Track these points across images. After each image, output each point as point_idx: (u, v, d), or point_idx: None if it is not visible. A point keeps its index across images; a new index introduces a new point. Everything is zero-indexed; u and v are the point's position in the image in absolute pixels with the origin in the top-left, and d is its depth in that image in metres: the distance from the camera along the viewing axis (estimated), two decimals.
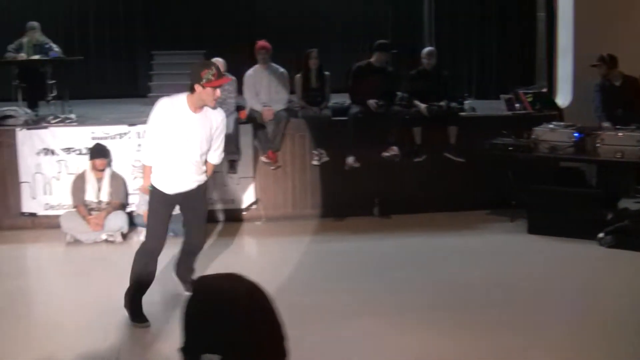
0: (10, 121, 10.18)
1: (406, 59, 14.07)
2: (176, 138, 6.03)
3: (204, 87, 5.78)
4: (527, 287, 7.28)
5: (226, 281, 1.90)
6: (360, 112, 10.02)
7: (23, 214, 9.96)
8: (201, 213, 6.63)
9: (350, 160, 10.00)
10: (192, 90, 5.88)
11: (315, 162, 10.08)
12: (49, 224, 9.75)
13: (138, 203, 9.47)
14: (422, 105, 10.14)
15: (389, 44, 10.65)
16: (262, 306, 1.87)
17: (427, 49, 10.78)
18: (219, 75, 5.93)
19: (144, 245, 6.43)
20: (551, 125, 9.70)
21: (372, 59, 10.28)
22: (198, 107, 6.00)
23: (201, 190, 6.43)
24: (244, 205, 10.17)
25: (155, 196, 6.26)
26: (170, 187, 6.23)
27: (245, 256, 9.24)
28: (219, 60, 9.89)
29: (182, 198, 6.33)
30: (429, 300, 6.89)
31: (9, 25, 13.68)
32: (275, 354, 1.86)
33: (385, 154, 10.01)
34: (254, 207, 10.19)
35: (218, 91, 5.91)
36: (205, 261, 8.95)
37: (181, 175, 6.22)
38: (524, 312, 6.58)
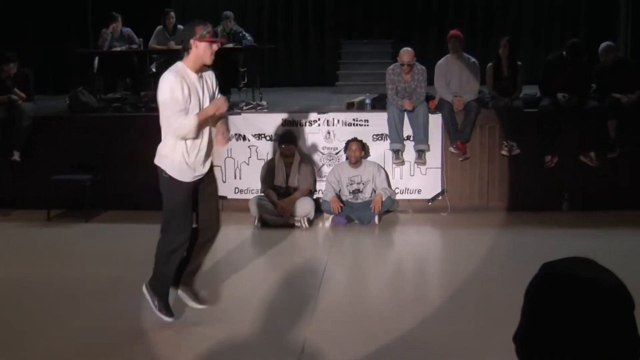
0: None
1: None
2: (194, 109, 5.54)
3: (199, 41, 5.44)
4: None
5: (585, 270, 1.66)
6: (550, 105, 9.67)
7: None
8: (216, 196, 6.22)
9: (548, 158, 9.73)
10: (185, 51, 5.50)
11: (504, 153, 9.80)
12: (237, 207, 9.97)
13: (325, 190, 9.57)
14: (624, 97, 9.63)
15: (581, 44, 10.09)
16: (628, 305, 1.62)
17: (602, 45, 10.08)
18: (214, 35, 5.77)
19: (170, 239, 5.76)
20: None
21: (564, 52, 9.87)
22: (198, 69, 5.59)
23: (213, 171, 6.00)
24: (431, 195, 10.02)
25: (176, 188, 5.65)
26: (191, 172, 5.67)
27: (431, 247, 9.11)
28: (407, 50, 9.83)
29: (200, 182, 5.81)
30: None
31: (205, 15, 14.14)
32: None
33: (583, 159, 9.71)
34: (440, 197, 10.02)
35: (215, 45, 5.56)
36: (390, 250, 8.93)
37: (201, 154, 5.69)
38: None
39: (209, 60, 5.54)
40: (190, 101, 5.47)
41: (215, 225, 6.04)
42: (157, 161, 5.66)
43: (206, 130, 5.68)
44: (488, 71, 10.09)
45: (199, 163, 5.69)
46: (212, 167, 5.94)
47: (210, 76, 5.77)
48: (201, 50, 5.45)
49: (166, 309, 5.85)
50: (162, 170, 5.62)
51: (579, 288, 1.58)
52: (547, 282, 1.63)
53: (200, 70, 5.59)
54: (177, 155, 5.56)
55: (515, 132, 9.77)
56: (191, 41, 5.43)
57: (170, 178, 5.60)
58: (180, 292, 6.04)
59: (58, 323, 6.01)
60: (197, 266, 6.13)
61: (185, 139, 5.51)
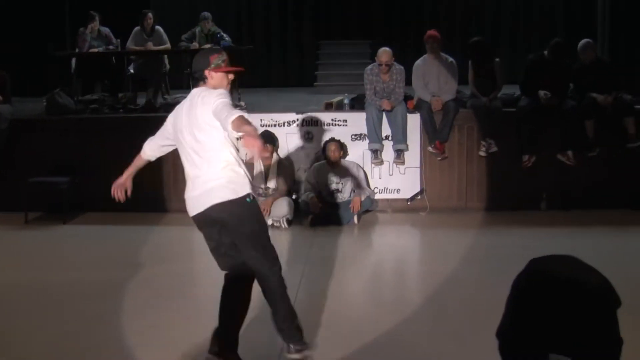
0: None
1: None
2: None
3: (214, 71, 4.96)
4: None
5: (570, 268, 1.67)
6: (530, 105, 9.72)
7: None
8: (244, 239, 4.92)
9: (525, 157, 9.81)
10: (201, 81, 5.00)
11: (482, 153, 9.86)
12: None
13: (304, 190, 9.58)
14: (600, 97, 9.69)
15: (564, 45, 10.12)
16: (613, 300, 1.65)
17: (581, 43, 10.10)
18: (229, 63, 5.14)
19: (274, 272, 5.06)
20: None
21: (546, 52, 9.92)
22: None
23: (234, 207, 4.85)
24: (410, 195, 10.05)
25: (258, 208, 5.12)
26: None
27: (410, 248, 9.14)
28: (386, 50, 9.86)
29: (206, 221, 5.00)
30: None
31: (183, 16, 14.13)
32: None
33: (561, 157, 9.79)
34: (419, 197, 10.05)
35: (231, 75, 5.07)
36: (369, 251, 8.94)
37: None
38: None
39: (226, 90, 5.01)
40: None
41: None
42: (225, 195, 4.78)
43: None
44: (469, 68, 10.13)
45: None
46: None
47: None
48: (217, 81, 4.98)
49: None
50: (241, 198, 4.80)
51: (563, 286, 1.60)
52: (533, 278, 1.65)
53: None
54: (239, 169, 4.86)
55: (493, 131, 9.83)
56: (206, 72, 4.99)
57: (253, 198, 4.91)
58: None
59: (38, 327, 5.96)
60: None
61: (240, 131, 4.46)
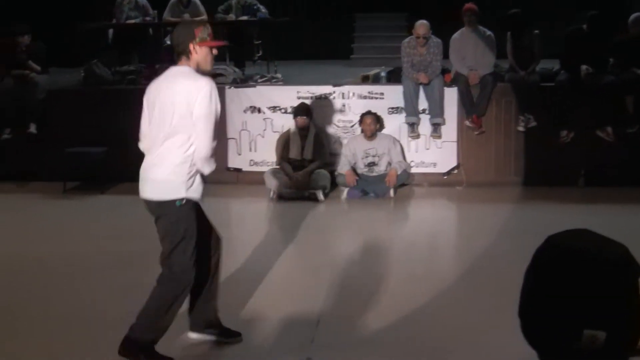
0: (220, 79, 10.47)
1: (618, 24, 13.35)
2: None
3: (199, 45, 4.65)
4: None
5: (589, 241, 1.64)
6: (568, 80, 9.59)
7: (228, 169, 10.28)
8: (163, 239, 4.79)
9: (563, 133, 9.66)
10: (183, 55, 4.68)
11: (520, 128, 9.76)
12: (252, 180, 9.99)
13: (340, 163, 9.57)
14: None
15: (601, 17, 9.96)
16: (637, 269, 1.60)
17: (634, 16, 9.97)
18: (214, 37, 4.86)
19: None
20: None
21: (584, 26, 9.77)
22: None
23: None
24: (446, 169, 10.00)
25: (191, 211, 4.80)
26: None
27: (446, 222, 9.11)
28: (423, 22, 9.78)
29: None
30: None
31: None
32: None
33: (600, 133, 9.62)
34: (455, 171, 10.00)
35: (215, 51, 4.80)
36: (404, 225, 8.91)
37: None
38: None
39: (209, 67, 4.82)
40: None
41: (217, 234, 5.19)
42: (155, 193, 4.67)
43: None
44: (508, 39, 10.00)
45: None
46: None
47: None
48: (201, 55, 4.69)
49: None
50: (170, 201, 4.63)
51: (585, 258, 1.58)
52: (554, 254, 1.63)
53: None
54: (191, 169, 4.64)
55: (531, 105, 9.72)
56: (190, 45, 4.66)
57: (186, 202, 4.66)
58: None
59: (66, 295, 6.05)
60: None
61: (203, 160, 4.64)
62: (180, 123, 4.55)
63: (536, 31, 10.02)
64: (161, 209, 4.67)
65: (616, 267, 1.56)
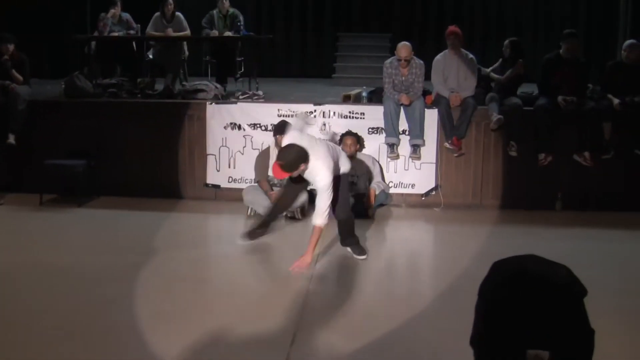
0: (201, 95, 10.49)
1: (599, 49, 13.49)
2: None
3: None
4: None
5: (534, 265, 1.70)
6: (547, 104, 9.68)
7: (207, 185, 10.27)
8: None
9: (542, 156, 9.76)
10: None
11: (512, 153, 9.84)
12: (231, 197, 9.99)
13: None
14: (616, 101, 9.64)
15: (576, 34, 10.13)
16: (580, 290, 1.66)
17: (629, 42, 10.13)
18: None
19: None
20: None
21: (561, 50, 9.88)
22: None
23: None
24: (425, 190, 10.03)
25: None
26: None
27: (424, 243, 9.12)
28: (405, 45, 9.82)
29: None
30: (616, 303, 6.45)
31: (203, 4, 14.08)
32: (588, 350, 1.66)
33: (577, 158, 9.74)
34: (434, 193, 10.03)
35: None
36: (382, 245, 8.91)
37: None
38: None
39: None
40: None
41: None
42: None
43: None
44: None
45: None
46: None
47: None
48: None
49: None
50: None
51: (531, 282, 1.62)
52: (499, 280, 1.66)
53: None
54: None
55: (515, 130, 9.80)
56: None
57: None
58: None
59: (48, 309, 5.99)
60: None
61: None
62: None
63: (520, 60, 10.15)
64: None
65: (561, 289, 1.59)
